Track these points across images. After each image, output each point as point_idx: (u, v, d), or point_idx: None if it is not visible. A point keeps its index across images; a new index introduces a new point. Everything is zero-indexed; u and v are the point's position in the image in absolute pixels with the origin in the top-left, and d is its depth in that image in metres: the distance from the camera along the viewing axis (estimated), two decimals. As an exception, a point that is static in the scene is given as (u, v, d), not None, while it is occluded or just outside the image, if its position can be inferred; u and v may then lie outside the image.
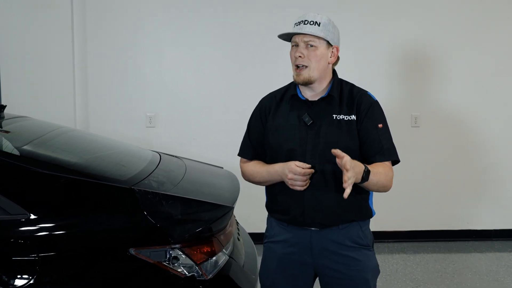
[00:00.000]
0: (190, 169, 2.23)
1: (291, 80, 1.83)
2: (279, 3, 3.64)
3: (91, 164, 2.02)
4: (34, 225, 1.60)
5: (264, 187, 1.83)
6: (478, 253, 3.71)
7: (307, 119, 1.67)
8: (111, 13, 3.63)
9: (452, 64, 3.75)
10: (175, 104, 3.71)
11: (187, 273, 1.64)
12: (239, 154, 1.87)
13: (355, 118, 1.67)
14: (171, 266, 1.62)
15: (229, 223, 1.89)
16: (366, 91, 1.75)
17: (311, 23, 1.65)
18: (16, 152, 1.85)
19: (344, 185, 1.44)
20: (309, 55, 1.65)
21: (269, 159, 1.76)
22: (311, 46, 1.65)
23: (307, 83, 1.68)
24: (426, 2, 3.71)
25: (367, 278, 1.70)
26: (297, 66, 1.67)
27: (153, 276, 1.61)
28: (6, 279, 1.52)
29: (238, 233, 2.16)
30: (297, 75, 1.67)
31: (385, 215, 3.66)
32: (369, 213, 1.74)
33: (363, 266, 1.69)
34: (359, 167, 1.54)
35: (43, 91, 3.56)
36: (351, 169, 1.45)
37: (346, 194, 1.45)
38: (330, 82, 1.74)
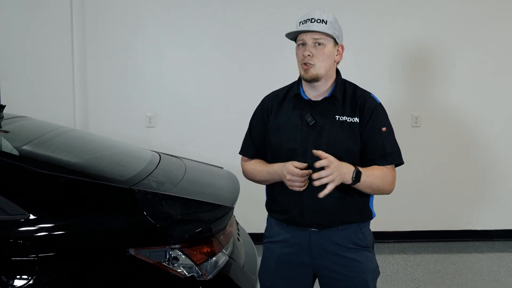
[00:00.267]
0: (190, 169, 2.22)
1: (292, 79, 1.83)
2: (279, 3, 3.64)
3: (90, 164, 2.02)
4: (34, 225, 1.60)
5: (264, 187, 1.82)
6: (479, 253, 3.70)
7: (309, 119, 1.66)
8: (111, 12, 3.63)
9: (452, 64, 3.75)
10: (175, 104, 3.71)
11: (187, 273, 1.64)
12: (240, 153, 1.87)
13: (358, 121, 1.66)
14: (170, 267, 1.62)
15: (229, 223, 1.88)
16: (370, 93, 1.74)
17: (318, 21, 1.64)
18: (16, 152, 1.84)
19: (315, 182, 1.51)
20: (317, 53, 1.65)
21: (270, 158, 1.76)
22: (319, 44, 1.65)
23: (315, 80, 1.66)
24: (427, 2, 3.70)
25: (366, 279, 1.69)
26: (305, 64, 1.66)
27: (152, 277, 1.61)
28: (5, 280, 1.52)
29: (238, 233, 2.16)
30: (305, 71, 1.66)
31: (386, 215, 3.65)
32: (369, 215, 1.73)
33: (362, 268, 1.69)
34: (348, 167, 1.55)
35: (43, 91, 3.56)
36: (332, 168, 1.50)
37: (323, 194, 1.52)
38: (333, 82, 1.73)
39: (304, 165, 1.60)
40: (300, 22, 1.68)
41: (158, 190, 1.77)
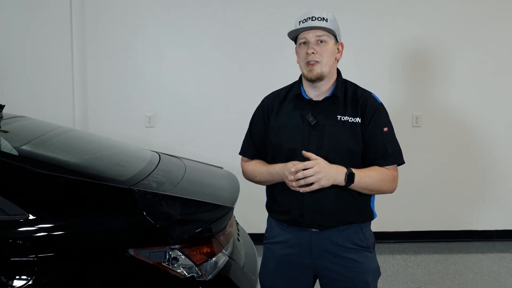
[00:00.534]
0: (190, 169, 2.22)
1: (292, 79, 1.82)
2: (279, 3, 3.63)
3: (90, 164, 2.01)
4: (33, 226, 1.59)
5: (264, 188, 1.82)
6: (480, 253, 3.69)
7: (311, 119, 1.66)
8: (110, 12, 3.62)
9: (453, 64, 3.74)
10: (174, 104, 3.71)
11: (186, 273, 1.63)
12: (240, 153, 1.86)
13: (360, 121, 1.66)
14: (170, 267, 1.62)
15: (229, 223, 1.88)
16: (370, 93, 1.74)
17: (319, 19, 1.64)
18: (15, 152, 1.84)
19: (300, 181, 1.55)
20: (321, 51, 1.65)
21: (270, 159, 1.75)
22: (321, 42, 1.65)
23: (320, 79, 1.66)
24: (427, 2, 3.70)
25: (367, 280, 1.69)
26: (308, 62, 1.66)
27: (152, 277, 1.60)
28: (4, 280, 1.52)
29: (238, 234, 2.15)
30: (309, 70, 1.66)
31: (386, 215, 3.64)
32: (370, 215, 1.73)
33: (363, 268, 1.68)
34: (338, 169, 1.57)
35: (42, 91, 3.55)
36: (315, 168, 1.53)
37: (303, 190, 1.56)
38: (334, 81, 1.73)
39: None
40: (300, 21, 1.67)
41: (157, 190, 1.76)
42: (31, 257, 1.54)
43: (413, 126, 3.79)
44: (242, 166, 1.85)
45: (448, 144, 3.82)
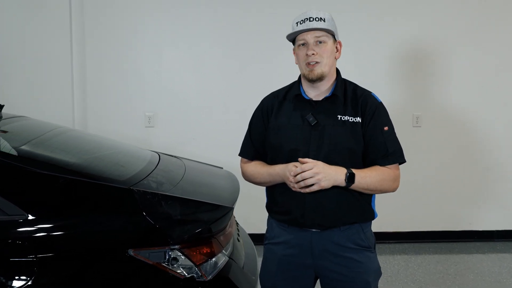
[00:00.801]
0: (190, 169, 2.21)
1: (292, 79, 1.82)
2: (279, 3, 3.63)
3: (89, 164, 2.00)
4: (32, 226, 1.59)
5: (264, 188, 1.81)
6: (480, 254, 3.69)
7: (311, 119, 1.66)
8: (110, 12, 3.62)
9: (453, 63, 3.74)
10: (174, 104, 3.70)
11: (186, 274, 1.63)
12: (240, 154, 1.86)
13: (360, 121, 1.65)
14: (170, 267, 1.61)
15: (229, 223, 1.87)
16: (370, 92, 1.74)
17: (317, 19, 1.64)
18: (14, 152, 1.83)
19: (300, 183, 1.55)
20: (320, 51, 1.65)
21: (270, 159, 1.75)
22: (320, 42, 1.65)
23: (320, 79, 1.66)
24: (427, 2, 3.69)
25: (368, 280, 1.68)
26: (308, 63, 1.65)
27: (152, 277, 1.60)
28: (4, 280, 1.51)
29: (238, 234, 2.15)
30: (310, 71, 1.66)
31: (387, 215, 3.63)
32: (371, 215, 1.73)
33: (364, 268, 1.68)
34: (338, 170, 1.57)
35: (41, 91, 3.55)
36: (315, 170, 1.54)
37: (304, 190, 1.57)
38: (334, 81, 1.73)
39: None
40: (297, 23, 1.67)
41: (157, 191, 1.76)
42: (31, 258, 1.53)
43: (413, 126, 3.79)
44: (241, 168, 1.85)
45: (449, 144, 3.81)
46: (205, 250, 1.67)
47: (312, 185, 1.56)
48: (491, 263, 3.50)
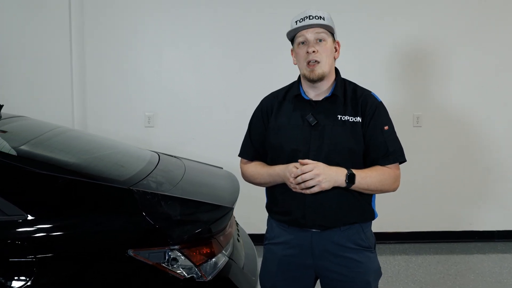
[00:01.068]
0: (189, 169, 2.21)
1: (291, 79, 1.81)
2: (279, 3, 3.62)
3: (89, 164, 2.00)
4: (32, 226, 1.58)
5: (264, 188, 1.81)
6: (481, 254, 3.68)
7: (311, 119, 1.65)
8: (110, 11, 3.61)
9: (454, 63, 3.73)
10: (174, 104, 3.70)
11: (186, 274, 1.62)
12: (239, 155, 1.85)
13: (360, 120, 1.65)
14: (170, 268, 1.61)
15: (229, 224, 1.87)
16: (370, 91, 1.74)
17: (316, 17, 1.64)
18: (14, 152, 1.83)
19: (301, 185, 1.55)
20: (321, 50, 1.64)
21: (270, 160, 1.75)
22: (320, 40, 1.65)
23: (320, 79, 1.66)
24: (427, 2, 3.69)
25: (368, 280, 1.68)
26: (309, 63, 1.65)
27: (151, 278, 1.60)
28: (3, 281, 1.51)
29: (238, 234, 2.14)
30: (311, 71, 1.65)
31: (387, 216, 3.63)
32: (371, 215, 1.72)
33: (364, 268, 1.67)
34: (338, 171, 1.57)
35: (41, 91, 3.55)
36: (315, 171, 1.53)
37: (308, 191, 1.56)
38: (333, 81, 1.72)
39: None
40: (296, 21, 1.67)
41: (157, 191, 1.76)
42: (30, 258, 1.53)
43: (414, 126, 3.78)
44: (241, 168, 1.85)
45: (449, 144, 3.81)
46: (205, 250, 1.67)
47: (313, 186, 1.55)
48: (491, 264, 3.49)
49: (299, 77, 1.75)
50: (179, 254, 1.62)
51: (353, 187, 1.59)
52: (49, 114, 3.31)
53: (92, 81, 3.65)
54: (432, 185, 3.84)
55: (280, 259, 1.72)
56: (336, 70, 1.75)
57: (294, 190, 1.60)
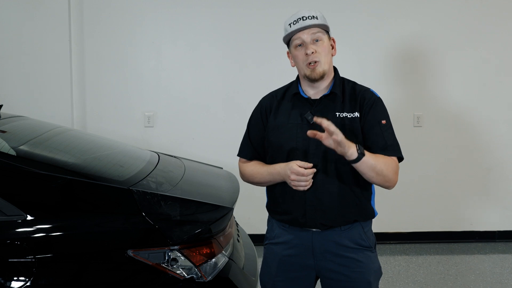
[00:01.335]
0: (189, 169, 2.21)
1: (291, 79, 1.81)
2: (279, 3, 3.62)
3: (88, 164, 1.99)
4: (31, 226, 1.58)
5: (264, 188, 1.80)
6: (482, 254, 3.67)
7: (310, 117, 1.65)
8: (109, 10, 3.61)
9: (454, 63, 3.73)
10: (173, 104, 3.69)
11: (186, 275, 1.62)
12: (238, 155, 1.85)
13: (358, 115, 1.65)
14: (169, 268, 1.60)
15: (229, 224, 1.86)
16: (369, 88, 1.74)
17: (310, 18, 1.65)
18: (13, 152, 1.82)
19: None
20: (319, 49, 1.65)
21: (270, 159, 1.74)
22: (317, 40, 1.65)
23: (321, 78, 1.66)
24: (427, 2, 3.68)
25: (369, 280, 1.68)
26: (309, 64, 1.64)
27: (151, 278, 1.59)
28: (2, 281, 1.51)
29: (238, 235, 2.14)
30: (312, 71, 1.65)
31: (387, 216, 3.64)
32: (371, 214, 1.72)
33: (365, 268, 1.67)
34: (350, 142, 1.53)
35: (40, 90, 3.54)
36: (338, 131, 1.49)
37: (332, 127, 1.49)
38: (332, 79, 1.72)
39: (309, 165, 1.59)
40: (290, 24, 1.67)
41: (157, 191, 1.75)
42: (29, 258, 1.53)
43: (414, 126, 3.78)
44: (240, 168, 1.84)
45: (450, 144, 3.80)
46: (205, 250, 1.67)
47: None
48: (492, 264, 3.49)
49: (298, 76, 1.75)
50: (179, 254, 1.61)
51: (361, 162, 1.54)
52: (49, 114, 3.30)
53: (91, 81, 3.65)
54: (432, 185, 3.83)
55: (280, 259, 1.72)
56: (335, 69, 1.75)
57: (293, 188, 1.60)
